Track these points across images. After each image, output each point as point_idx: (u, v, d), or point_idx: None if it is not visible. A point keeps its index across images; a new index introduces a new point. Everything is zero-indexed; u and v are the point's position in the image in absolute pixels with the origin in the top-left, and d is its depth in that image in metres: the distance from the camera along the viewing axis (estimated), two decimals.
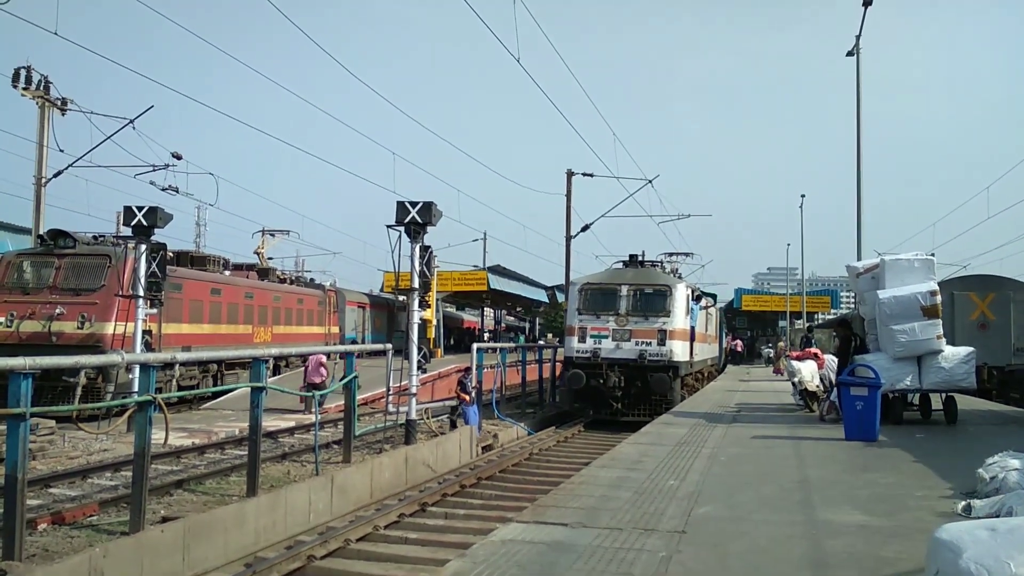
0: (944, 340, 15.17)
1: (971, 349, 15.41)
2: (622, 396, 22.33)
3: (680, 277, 27.32)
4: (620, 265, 25.81)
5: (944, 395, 15.92)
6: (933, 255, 16.52)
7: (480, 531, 9.93)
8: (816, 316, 62.40)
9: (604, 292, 23.32)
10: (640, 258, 25.83)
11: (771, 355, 45.59)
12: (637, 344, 22.24)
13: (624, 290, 22.98)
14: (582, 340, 22.64)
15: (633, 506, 8.42)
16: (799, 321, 53.91)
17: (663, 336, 22.23)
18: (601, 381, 22.15)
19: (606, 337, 22.46)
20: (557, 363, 26.78)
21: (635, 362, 22.16)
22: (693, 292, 25.79)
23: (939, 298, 15.22)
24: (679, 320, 22.71)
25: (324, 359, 20.19)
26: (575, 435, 21.09)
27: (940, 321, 15.10)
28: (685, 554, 6.56)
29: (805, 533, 7.26)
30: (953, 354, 15.12)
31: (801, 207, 48.70)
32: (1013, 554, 3.10)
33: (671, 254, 31.48)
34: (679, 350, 22.57)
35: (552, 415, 24.41)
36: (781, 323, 58.07)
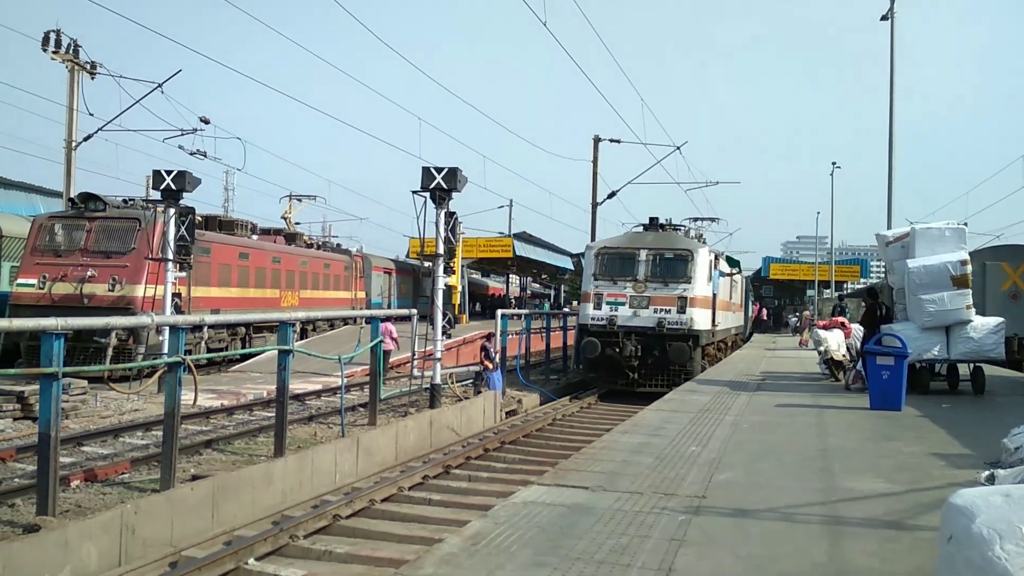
0: (974, 310, 15.03)
1: (1001, 320, 15.26)
2: (639, 366, 21.39)
3: (704, 242, 26.13)
4: (640, 229, 24.64)
5: (972, 365, 15.80)
6: (965, 224, 16.31)
7: (502, 493, 10.05)
8: (845, 285, 61.84)
9: (622, 257, 22.29)
10: (661, 221, 24.68)
11: (796, 324, 45.20)
12: (655, 312, 21.31)
13: (643, 255, 22.01)
14: (598, 307, 21.70)
15: (654, 471, 8.48)
16: (827, 290, 53.44)
17: (683, 303, 21.26)
18: (617, 350, 21.17)
19: (623, 304, 21.55)
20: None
21: (653, 330, 21.16)
22: (716, 257, 24.80)
23: (969, 268, 15.05)
24: (700, 287, 21.80)
25: (392, 326, 20.41)
26: (589, 405, 20.61)
27: (970, 291, 14.95)
28: (704, 518, 6.62)
29: (825, 500, 7.29)
30: (982, 324, 14.98)
31: (832, 175, 48.05)
32: None
33: (696, 219, 30.33)
34: (700, 318, 21.64)
35: (576, 382, 24.43)
36: (809, 292, 57.59)
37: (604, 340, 21.30)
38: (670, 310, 21.28)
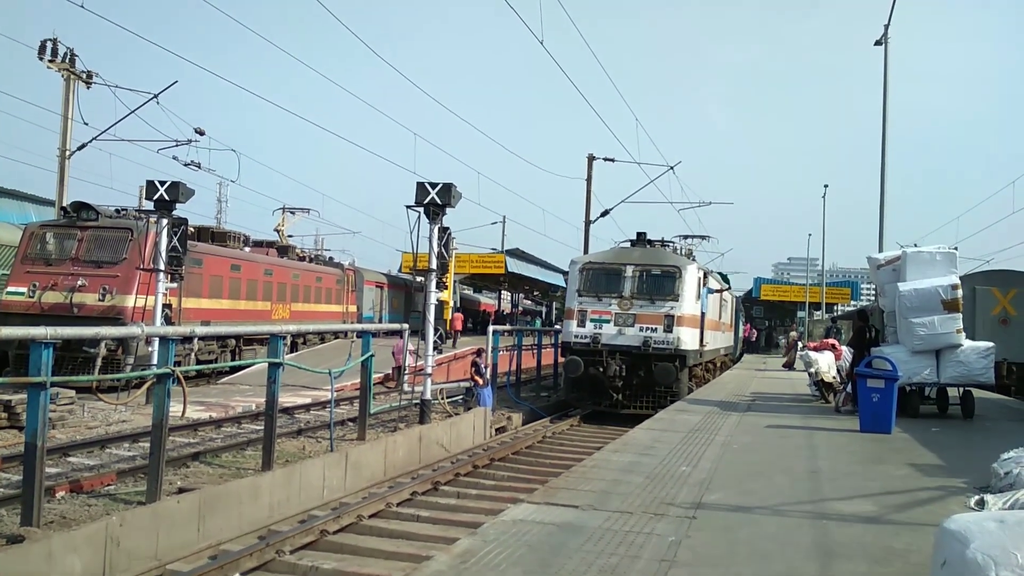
0: (964, 334, 15.06)
1: (990, 344, 15.30)
2: (623, 386, 20.63)
3: (693, 259, 25.36)
4: (627, 244, 23.73)
5: (961, 389, 15.83)
6: (956, 248, 16.37)
7: (491, 511, 10.00)
8: (836, 307, 62.06)
9: (607, 272, 21.48)
10: (649, 237, 23.88)
11: (785, 345, 45.15)
12: (641, 330, 20.53)
13: (629, 271, 21.18)
14: (581, 324, 20.94)
15: (644, 491, 8.45)
16: (818, 312, 53.60)
17: (670, 322, 20.51)
18: (601, 369, 20.37)
19: (608, 321, 20.79)
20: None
21: (638, 349, 20.38)
22: (705, 275, 24.01)
23: (960, 292, 15.09)
24: (688, 305, 21.01)
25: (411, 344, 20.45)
26: (572, 427, 20.09)
27: (960, 315, 14.98)
28: (694, 539, 6.59)
29: (815, 523, 7.26)
30: (972, 349, 15.01)
31: (824, 197, 48.36)
32: (1021, 545, 3.09)
33: (686, 236, 29.60)
34: (687, 338, 20.88)
35: (565, 400, 24.29)
36: (800, 313, 57.77)
37: (587, 359, 20.57)
38: (656, 328, 20.58)
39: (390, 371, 22.27)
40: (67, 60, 23.35)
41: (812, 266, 69.09)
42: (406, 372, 18.13)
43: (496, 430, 18.07)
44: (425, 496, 11.73)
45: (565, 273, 52.13)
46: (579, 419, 20.94)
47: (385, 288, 39.74)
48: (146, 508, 8.49)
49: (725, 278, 34.33)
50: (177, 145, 24.08)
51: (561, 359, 26.99)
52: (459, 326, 36.59)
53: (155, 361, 14.16)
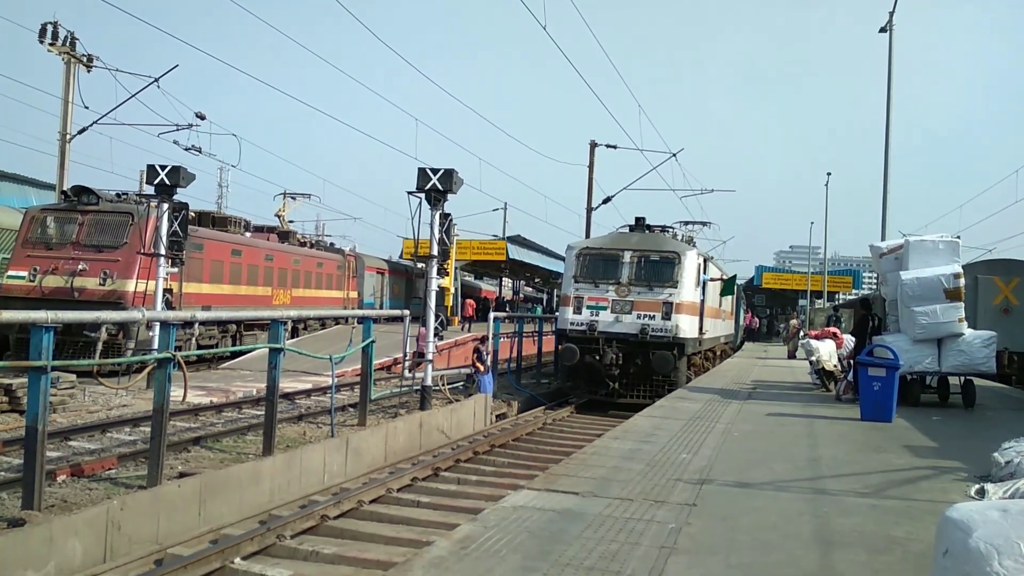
0: (966, 323, 15.05)
1: (992, 333, 15.28)
2: (620, 375, 20.25)
3: (693, 245, 24.70)
4: (626, 229, 23.28)
5: (963, 378, 15.83)
6: (959, 237, 16.32)
7: (492, 497, 10.01)
8: (837, 296, 62.03)
9: (605, 258, 21.06)
10: (648, 222, 23.41)
11: (785, 334, 45.04)
12: (639, 317, 20.10)
13: (627, 256, 20.75)
14: (577, 311, 20.54)
15: (644, 478, 8.46)
16: (820, 301, 53.57)
17: (668, 309, 20.06)
18: (597, 357, 19.99)
19: (605, 308, 20.39)
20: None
21: (636, 337, 19.95)
22: (705, 261, 23.49)
23: (962, 281, 15.07)
24: (688, 292, 20.56)
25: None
26: (568, 416, 19.71)
27: (962, 304, 14.98)
28: (694, 527, 6.59)
29: (815, 511, 7.26)
30: (974, 338, 15.01)
31: (827, 185, 48.20)
32: None
33: (687, 222, 29.04)
34: (686, 325, 20.44)
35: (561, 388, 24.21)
36: (801, 302, 57.72)
37: (583, 347, 20.20)
38: (654, 316, 20.16)
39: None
40: (67, 43, 23.24)
41: (814, 254, 69.00)
42: (407, 359, 18.14)
43: (496, 416, 18.09)
44: (425, 482, 11.75)
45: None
46: (574, 408, 20.67)
47: (386, 274, 39.71)
48: (147, 492, 8.50)
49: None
50: (178, 129, 24.04)
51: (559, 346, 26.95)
52: (471, 312, 38.93)
53: (156, 346, 14.16)
